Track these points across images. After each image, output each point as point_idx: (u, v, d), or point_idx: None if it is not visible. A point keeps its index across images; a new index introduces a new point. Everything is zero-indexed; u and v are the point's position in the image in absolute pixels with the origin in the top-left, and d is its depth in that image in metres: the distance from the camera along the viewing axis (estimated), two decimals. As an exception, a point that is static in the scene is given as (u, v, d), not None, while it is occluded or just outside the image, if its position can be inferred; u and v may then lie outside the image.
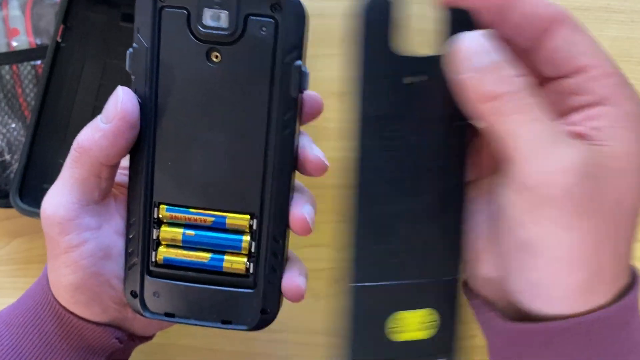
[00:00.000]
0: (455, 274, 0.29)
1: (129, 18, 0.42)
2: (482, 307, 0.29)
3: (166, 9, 0.29)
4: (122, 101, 0.29)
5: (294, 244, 0.45)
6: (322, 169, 0.32)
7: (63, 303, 0.32)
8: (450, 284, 0.29)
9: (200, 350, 0.46)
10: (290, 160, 0.31)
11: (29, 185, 0.41)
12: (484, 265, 0.29)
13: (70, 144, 0.38)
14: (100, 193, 0.31)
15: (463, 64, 0.24)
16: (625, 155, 0.24)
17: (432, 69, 0.27)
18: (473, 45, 0.24)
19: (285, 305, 0.46)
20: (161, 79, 0.30)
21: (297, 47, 0.30)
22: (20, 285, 0.46)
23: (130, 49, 0.30)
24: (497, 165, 0.27)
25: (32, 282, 0.46)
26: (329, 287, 0.46)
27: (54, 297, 0.32)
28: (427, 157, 0.28)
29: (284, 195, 0.31)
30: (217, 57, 0.30)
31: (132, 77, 0.30)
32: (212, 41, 0.30)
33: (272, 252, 0.32)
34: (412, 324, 0.29)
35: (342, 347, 0.29)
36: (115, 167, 0.31)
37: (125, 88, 0.30)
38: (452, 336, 0.30)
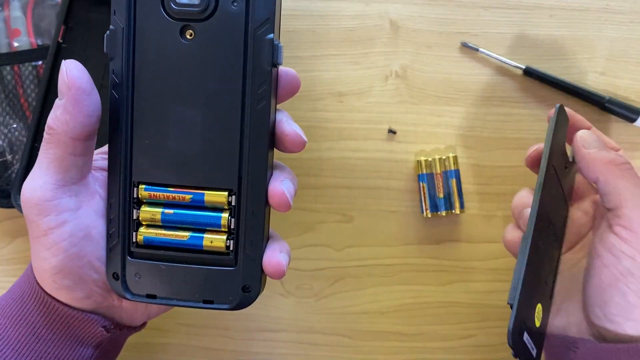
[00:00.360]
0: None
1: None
2: (566, 341, 0.35)
3: None
4: (67, 72, 0.29)
5: (294, 243, 0.46)
6: (300, 144, 0.32)
7: (47, 289, 0.32)
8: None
9: (200, 350, 0.46)
10: (266, 134, 0.31)
11: (30, 185, 0.41)
12: (567, 312, 0.36)
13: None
14: (77, 171, 0.31)
15: (591, 144, 0.36)
16: None
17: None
18: (592, 135, 0.36)
19: (286, 305, 0.46)
20: (137, 59, 0.30)
21: (269, 21, 0.30)
22: (22, 284, 0.46)
23: (107, 32, 0.30)
24: (579, 239, 0.39)
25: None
26: (329, 287, 0.46)
27: (39, 285, 0.32)
28: (561, 231, 0.38)
29: (262, 170, 0.31)
30: (191, 34, 0.30)
31: (110, 59, 0.30)
32: (186, 18, 0.30)
33: (251, 229, 0.31)
34: (539, 315, 0.34)
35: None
36: (88, 141, 0.31)
37: (68, 60, 0.30)
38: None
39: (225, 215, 0.32)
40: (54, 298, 0.32)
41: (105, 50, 0.30)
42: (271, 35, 0.30)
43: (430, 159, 0.44)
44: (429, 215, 0.45)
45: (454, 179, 0.44)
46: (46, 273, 0.31)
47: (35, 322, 0.32)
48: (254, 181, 0.31)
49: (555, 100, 0.45)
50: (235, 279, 0.32)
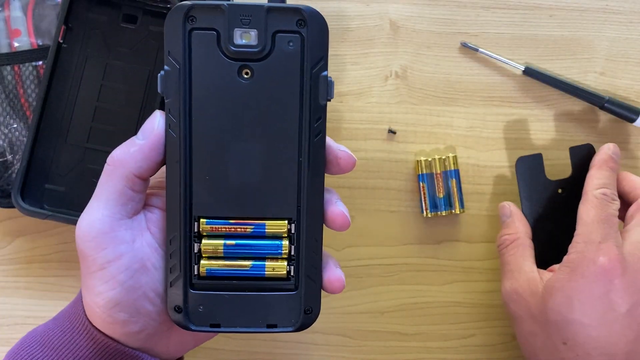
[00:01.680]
0: None
1: (130, 19, 0.42)
2: None
3: (196, 31, 0.31)
4: (159, 123, 0.32)
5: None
6: (353, 163, 0.33)
7: (99, 326, 0.32)
8: None
9: (200, 349, 0.46)
10: (323, 163, 0.32)
11: (31, 185, 0.41)
12: None
13: (72, 144, 0.38)
14: (133, 206, 0.32)
15: (501, 218, 0.44)
16: None
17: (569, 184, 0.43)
18: (503, 208, 0.44)
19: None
20: (195, 97, 0.31)
21: (324, 59, 0.31)
22: (22, 284, 0.46)
23: (162, 72, 0.31)
24: None
25: (33, 281, 0.46)
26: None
27: (89, 321, 0.32)
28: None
29: (319, 196, 0.32)
30: (247, 73, 0.31)
31: (166, 98, 0.31)
32: (243, 58, 0.31)
33: (312, 253, 0.33)
34: None
35: None
36: (146, 183, 0.32)
37: (161, 111, 0.32)
38: None
39: (285, 242, 0.33)
40: (105, 335, 0.32)
41: (159, 90, 0.31)
42: (326, 72, 0.31)
43: (430, 159, 0.44)
44: (429, 215, 0.45)
45: (454, 179, 0.44)
46: (101, 309, 0.31)
47: (84, 357, 0.32)
48: (312, 208, 0.32)
49: (555, 100, 0.45)
50: (297, 301, 0.33)
